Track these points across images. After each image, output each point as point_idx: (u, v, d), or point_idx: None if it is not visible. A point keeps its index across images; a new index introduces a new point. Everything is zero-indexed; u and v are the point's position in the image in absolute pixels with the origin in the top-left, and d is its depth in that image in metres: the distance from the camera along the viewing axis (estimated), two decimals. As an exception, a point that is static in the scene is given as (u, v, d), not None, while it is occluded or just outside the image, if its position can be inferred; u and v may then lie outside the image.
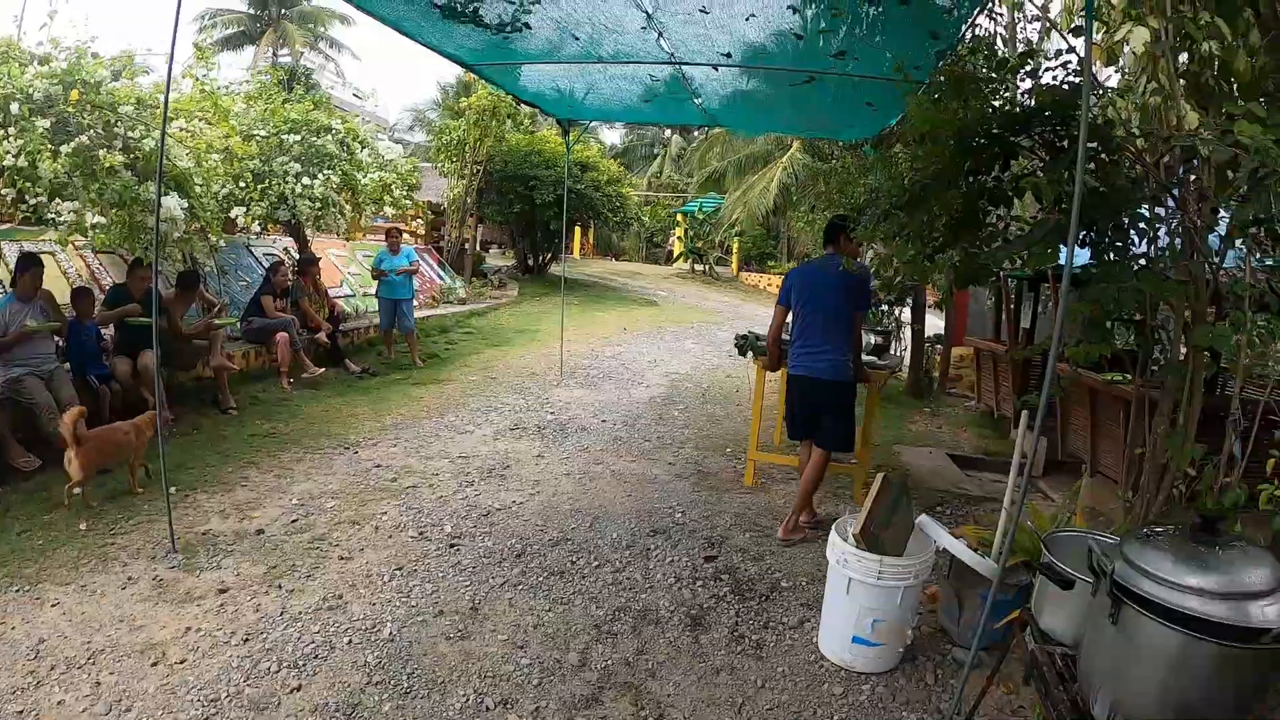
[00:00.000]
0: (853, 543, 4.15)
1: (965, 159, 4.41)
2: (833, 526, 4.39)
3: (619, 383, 11.33)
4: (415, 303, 12.45)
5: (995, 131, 4.34)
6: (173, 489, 5.65)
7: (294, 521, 5.54)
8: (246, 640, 4.08)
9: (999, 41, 7.71)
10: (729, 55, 6.47)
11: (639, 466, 7.40)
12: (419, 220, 22.36)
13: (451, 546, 5.32)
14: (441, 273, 18.30)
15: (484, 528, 5.67)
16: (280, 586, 4.64)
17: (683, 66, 6.94)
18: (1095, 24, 4.51)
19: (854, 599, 4.12)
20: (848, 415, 5.88)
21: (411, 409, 8.93)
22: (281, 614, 4.35)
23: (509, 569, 5.06)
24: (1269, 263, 4.21)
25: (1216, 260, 4.12)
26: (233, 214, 9.82)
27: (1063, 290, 3.40)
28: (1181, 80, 4.28)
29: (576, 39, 6.23)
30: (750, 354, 7.21)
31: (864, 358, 6.49)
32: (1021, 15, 7.96)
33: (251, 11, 42.02)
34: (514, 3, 5.43)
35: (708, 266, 33.53)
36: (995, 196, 4.45)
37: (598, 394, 10.47)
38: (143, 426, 6.10)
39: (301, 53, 41.58)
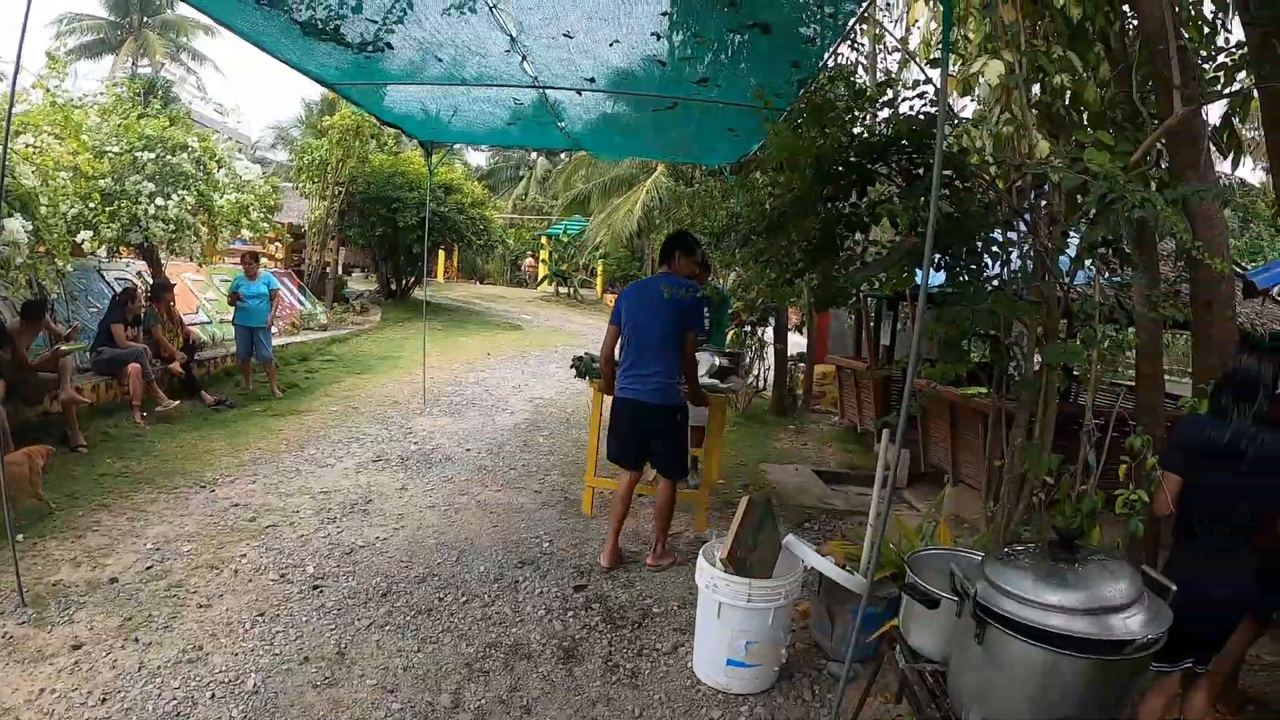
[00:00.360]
0: (720, 567, 4.16)
1: (823, 186, 4.50)
2: (700, 551, 4.40)
3: (483, 409, 11.16)
4: (274, 330, 12.00)
5: (853, 159, 4.44)
6: (19, 536, 5.30)
7: (149, 568, 5.21)
8: (104, 700, 3.81)
9: (860, 70, 7.95)
10: (593, 80, 6.47)
11: (505, 495, 7.27)
12: (278, 244, 21.69)
13: (315, 588, 5.09)
14: (302, 298, 17.72)
15: (347, 566, 5.46)
16: (137, 640, 4.35)
17: (547, 90, 6.91)
18: (952, 57, 4.68)
19: (725, 622, 4.13)
20: (677, 439, 5.76)
21: (270, 442, 8.59)
22: (140, 669, 4.08)
23: (375, 609, 4.87)
24: (1116, 280, 4.42)
25: (1067, 280, 4.30)
26: (79, 238, 9.31)
27: (919, 312, 3.48)
28: (1034, 110, 4.47)
29: (440, 60, 6.13)
30: (589, 377, 6.98)
31: (707, 380, 6.43)
32: (882, 46, 8.22)
33: (112, 18, 39.63)
34: (376, 21, 5.31)
35: (572, 289, 33.59)
36: (852, 223, 4.55)
37: (462, 422, 10.29)
38: (35, 455, 5.79)
39: (163, 64, 39.53)
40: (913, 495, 8.00)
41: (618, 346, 5.84)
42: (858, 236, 4.75)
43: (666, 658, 4.53)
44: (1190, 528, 3.47)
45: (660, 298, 5.49)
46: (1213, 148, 5.33)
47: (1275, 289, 4.02)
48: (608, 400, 6.27)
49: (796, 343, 13.36)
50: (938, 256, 4.32)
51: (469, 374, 14.02)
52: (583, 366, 7.09)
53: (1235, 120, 6.24)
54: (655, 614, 5.02)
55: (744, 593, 4.06)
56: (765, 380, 12.94)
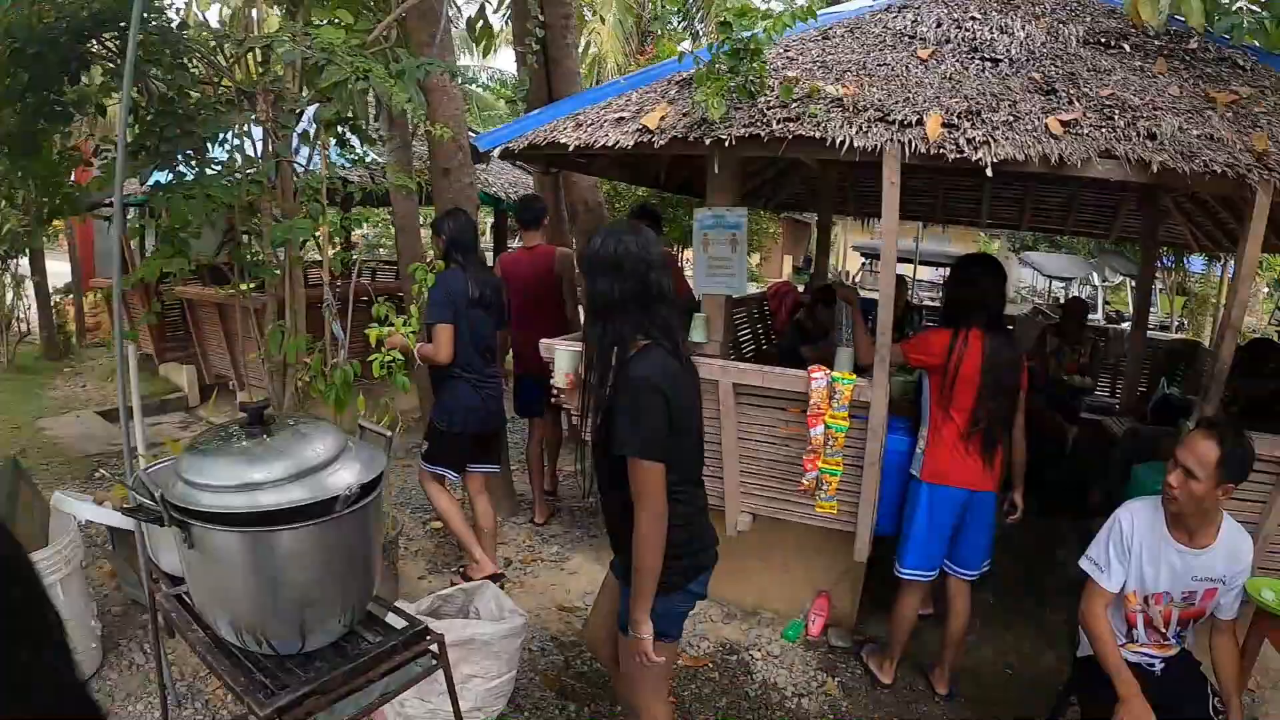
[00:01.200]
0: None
1: (26, 70, 3.74)
2: None
3: None
4: None
5: (63, 39, 3.72)
6: None
7: None
8: None
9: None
10: None
11: None
12: None
13: None
14: None
15: None
16: None
17: None
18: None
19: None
20: None
21: None
22: None
23: None
24: (350, 160, 4.37)
25: (300, 161, 4.12)
26: None
27: (116, 212, 3.09)
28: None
29: None
30: None
31: None
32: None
33: None
34: None
35: None
36: (55, 114, 3.93)
37: None
38: None
39: None
40: (211, 411, 7.62)
41: None
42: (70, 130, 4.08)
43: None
44: (462, 365, 4.31)
45: None
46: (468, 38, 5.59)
47: (495, 150, 4.35)
48: None
49: (60, 271, 11.69)
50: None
51: None
52: None
53: (489, 12, 6.65)
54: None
55: (15, 576, 3.37)
56: (30, 323, 11.02)
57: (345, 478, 2.14)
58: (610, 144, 3.88)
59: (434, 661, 2.45)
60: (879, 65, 4.16)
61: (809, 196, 8.59)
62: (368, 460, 2.27)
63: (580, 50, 18.58)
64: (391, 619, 2.50)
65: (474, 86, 21.55)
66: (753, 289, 9.03)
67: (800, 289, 8.22)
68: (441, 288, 4.21)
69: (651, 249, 2.40)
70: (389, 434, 2.43)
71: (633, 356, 2.36)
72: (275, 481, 2.07)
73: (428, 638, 2.42)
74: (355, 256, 4.53)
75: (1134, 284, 8.78)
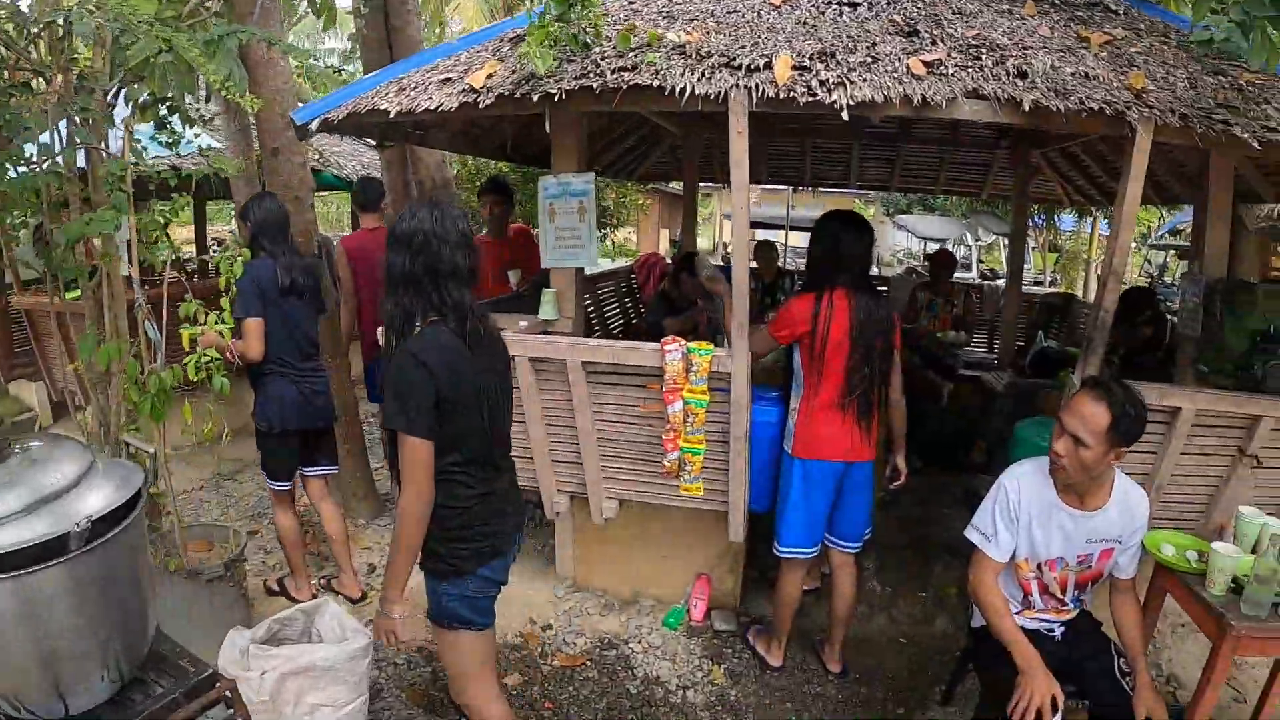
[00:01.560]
0: None
1: None
2: None
3: None
4: None
5: None
6: None
7: None
8: None
9: None
10: None
11: None
12: None
13: None
14: None
15: None
16: None
17: None
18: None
19: None
20: None
21: None
22: None
23: None
24: (165, 146, 4.11)
25: (105, 147, 3.70)
26: None
27: None
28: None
29: None
30: None
31: None
32: None
33: None
34: None
35: None
36: None
37: None
38: None
39: None
40: (65, 429, 7.05)
41: None
42: None
43: None
44: (276, 359, 4.02)
45: None
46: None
47: (314, 122, 4.12)
48: None
49: None
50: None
51: None
52: None
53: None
54: None
55: None
56: None
57: (92, 503, 1.81)
58: (434, 107, 3.53)
59: (229, 710, 2.10)
60: (728, 13, 3.91)
61: (676, 166, 8.37)
62: (122, 479, 1.93)
63: (445, 25, 18.05)
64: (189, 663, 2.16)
65: (342, 75, 20.89)
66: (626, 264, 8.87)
67: (669, 260, 8.11)
68: (248, 278, 3.89)
69: (449, 225, 2.33)
70: (151, 449, 2.08)
71: (417, 333, 2.31)
72: (12, 515, 1.73)
73: (217, 684, 2.08)
74: (165, 251, 4.10)
75: (1007, 242, 8.90)
